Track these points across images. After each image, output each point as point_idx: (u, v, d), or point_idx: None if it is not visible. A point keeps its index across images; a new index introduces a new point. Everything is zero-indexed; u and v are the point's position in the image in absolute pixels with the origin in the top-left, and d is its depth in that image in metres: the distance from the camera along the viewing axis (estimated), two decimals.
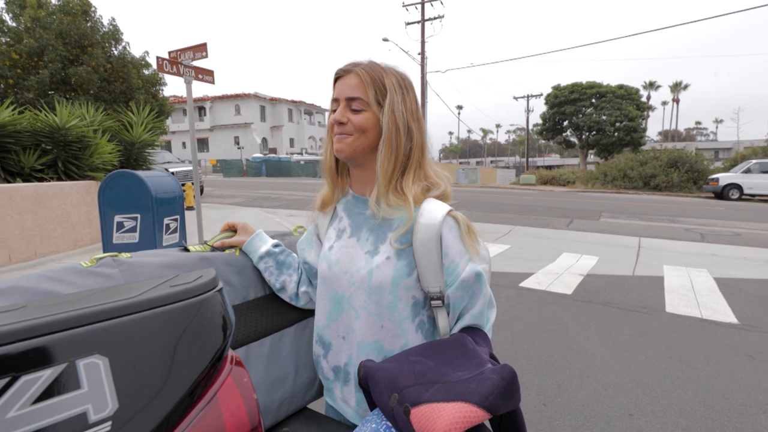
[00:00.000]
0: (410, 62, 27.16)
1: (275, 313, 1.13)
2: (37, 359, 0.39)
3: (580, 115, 34.72)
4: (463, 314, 0.96)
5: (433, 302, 0.94)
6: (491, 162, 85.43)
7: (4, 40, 12.51)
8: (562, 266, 5.82)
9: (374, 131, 0.96)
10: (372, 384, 0.82)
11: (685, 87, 61.38)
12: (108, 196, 3.96)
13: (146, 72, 14.30)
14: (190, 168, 13.29)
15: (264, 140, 45.80)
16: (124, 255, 0.86)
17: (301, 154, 42.28)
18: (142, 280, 0.73)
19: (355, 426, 1.01)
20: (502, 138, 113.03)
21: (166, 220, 4.11)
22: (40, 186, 5.92)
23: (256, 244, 1.18)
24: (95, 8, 13.56)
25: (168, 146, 41.80)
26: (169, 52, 5.18)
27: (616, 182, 23.39)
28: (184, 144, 44.82)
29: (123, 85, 13.33)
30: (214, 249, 1.12)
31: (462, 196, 16.64)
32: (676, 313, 4.11)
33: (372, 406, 0.87)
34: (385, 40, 25.39)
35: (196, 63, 5.22)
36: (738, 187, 17.65)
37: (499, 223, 9.60)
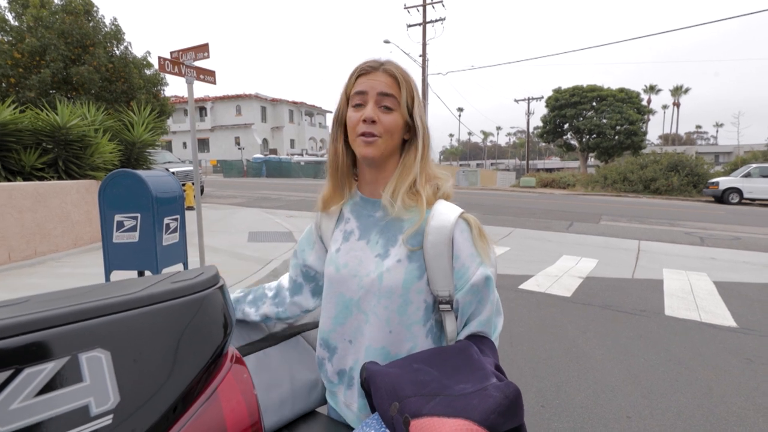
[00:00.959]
0: (411, 64, 27.18)
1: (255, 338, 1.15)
2: (40, 352, 0.40)
3: (581, 118, 34.77)
4: (471, 320, 0.94)
5: (441, 306, 0.93)
6: (491, 164, 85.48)
7: (6, 39, 12.53)
8: (562, 269, 5.83)
9: (399, 133, 0.94)
10: (373, 389, 0.82)
11: (686, 91, 61.44)
12: (108, 195, 3.96)
13: (148, 72, 14.31)
14: (191, 168, 13.31)
15: (265, 141, 45.84)
16: None
17: (302, 155, 42.33)
18: None
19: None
20: (502, 140, 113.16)
21: (166, 220, 4.11)
22: (40, 185, 5.92)
23: None
24: (97, 8, 13.58)
25: (169, 146, 41.83)
26: (171, 53, 5.18)
27: (617, 185, 23.41)
28: (184, 144, 44.86)
29: (124, 85, 13.35)
30: None
31: (462, 198, 16.61)
32: (675, 316, 4.11)
33: (373, 408, 0.87)
34: (387, 42, 25.44)
35: (198, 63, 5.23)
36: (738, 191, 17.66)
37: (499, 225, 9.61)
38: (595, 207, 14.57)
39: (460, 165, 73.59)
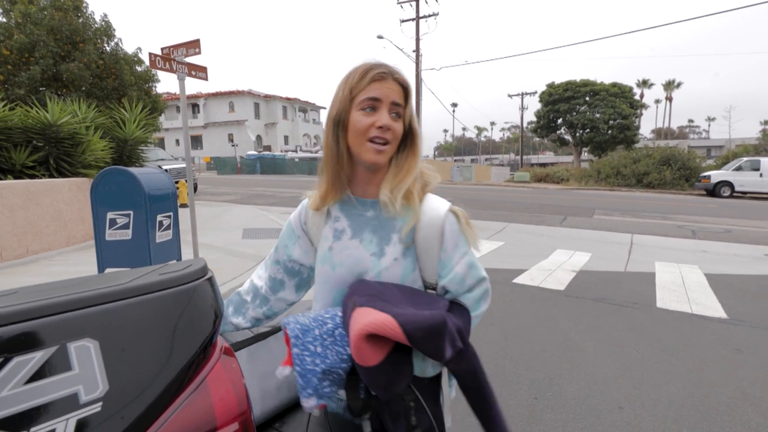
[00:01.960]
0: (405, 60, 27.10)
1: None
2: (29, 341, 0.40)
3: (574, 113, 34.87)
4: (457, 297, 1.00)
5: (428, 291, 0.99)
6: (486, 160, 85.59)
7: None
8: (555, 263, 5.87)
9: (399, 139, 0.99)
10: (349, 290, 0.93)
11: (678, 85, 61.74)
12: (100, 193, 3.94)
13: (139, 68, 14.17)
14: (184, 165, 13.23)
15: (258, 137, 45.63)
16: None
17: (296, 151, 42.15)
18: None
19: (345, 421, 1.02)
20: (496, 136, 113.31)
21: (159, 217, 4.09)
22: (31, 183, 5.87)
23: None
24: (87, 4, 13.41)
25: (161, 143, 41.54)
26: (162, 49, 5.14)
27: (610, 180, 23.54)
28: (177, 141, 44.55)
29: (115, 82, 13.22)
30: None
31: (456, 194, 16.67)
32: (666, 308, 4.16)
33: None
34: (380, 37, 25.36)
35: (189, 59, 5.19)
36: (729, 184, 17.82)
37: (493, 220, 9.64)
38: (589, 201, 14.65)
39: (455, 160, 73.64)
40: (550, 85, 36.22)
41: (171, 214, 4.25)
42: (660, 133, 65.74)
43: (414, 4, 26.22)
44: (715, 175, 18.28)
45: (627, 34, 65.82)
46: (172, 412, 0.49)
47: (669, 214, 11.43)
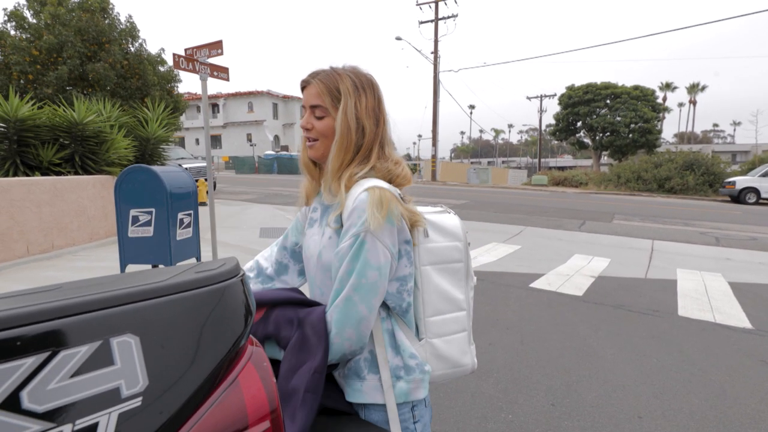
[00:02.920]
0: (423, 61, 27.09)
1: None
2: (75, 336, 0.42)
3: (594, 116, 34.36)
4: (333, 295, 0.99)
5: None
6: (503, 162, 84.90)
7: (24, 37, 12.75)
8: (573, 268, 5.79)
9: (329, 135, 1.07)
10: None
11: (703, 88, 60.30)
12: (124, 191, 4.03)
13: (161, 69, 14.46)
14: (203, 164, 13.43)
15: (276, 138, 46.06)
16: None
17: None
18: None
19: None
20: (514, 138, 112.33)
21: (180, 215, 4.16)
22: (58, 180, 6.04)
23: None
24: (113, 5, 13.74)
25: (181, 142, 42.28)
26: (186, 50, 5.24)
27: (630, 184, 23.10)
28: (197, 140, 45.27)
29: (139, 82, 13.51)
30: None
31: (472, 196, 16.58)
32: (688, 316, 4.07)
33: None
34: (398, 39, 25.37)
35: (212, 60, 5.27)
36: (755, 191, 17.32)
37: (509, 223, 9.56)
38: (608, 206, 14.42)
39: (471, 163, 73.20)
40: (570, 88, 35.76)
41: (191, 212, 4.33)
42: (683, 138, 64.31)
43: (433, 5, 26.18)
44: (741, 181, 17.79)
45: (650, 36, 64.62)
46: (206, 410, 0.50)
47: (691, 220, 11.18)
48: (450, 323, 1.07)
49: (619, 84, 34.32)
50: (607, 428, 2.34)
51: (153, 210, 4.06)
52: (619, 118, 33.23)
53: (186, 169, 7.06)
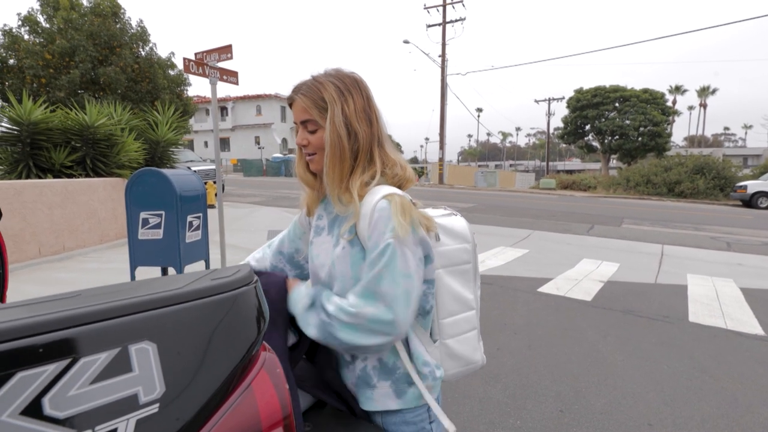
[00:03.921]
0: (431, 64, 27.12)
1: None
2: (94, 343, 0.43)
3: (603, 119, 34.13)
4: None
5: None
6: (510, 165, 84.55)
7: (37, 41, 12.95)
8: (582, 272, 5.75)
9: (324, 147, 1.03)
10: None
11: (713, 91, 59.75)
12: (134, 193, 4.06)
13: (171, 72, 14.62)
14: (212, 167, 13.52)
15: (284, 140, 46.27)
16: None
17: None
18: None
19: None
20: (522, 141, 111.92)
21: (189, 218, 4.19)
22: (69, 182, 6.11)
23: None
24: (125, 10, 13.94)
25: (191, 145, 42.59)
26: (196, 54, 5.29)
27: (639, 188, 22.89)
28: (206, 143, 45.60)
29: (149, 85, 13.66)
30: None
31: (480, 200, 16.53)
32: (699, 322, 4.02)
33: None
34: (406, 42, 25.42)
35: (221, 64, 5.32)
36: (767, 195, 17.10)
37: (517, 227, 9.52)
38: (617, 210, 14.30)
39: (479, 166, 73.01)
40: (579, 91, 35.57)
41: (200, 214, 4.35)
42: (693, 141, 63.70)
43: (441, 9, 26.20)
44: (752, 185, 17.56)
45: (659, 39, 64.18)
46: (221, 416, 0.50)
47: (702, 224, 11.05)
48: (462, 323, 1.09)
49: (628, 87, 34.07)
50: None
51: (163, 212, 4.09)
52: (628, 122, 32.98)
53: (195, 171, 7.11)
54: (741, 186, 17.91)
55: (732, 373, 3.05)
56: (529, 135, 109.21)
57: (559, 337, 3.63)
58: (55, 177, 6.49)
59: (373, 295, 0.90)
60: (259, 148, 42.76)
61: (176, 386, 0.47)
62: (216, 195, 5.43)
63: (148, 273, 4.09)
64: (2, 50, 12.59)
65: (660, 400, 2.68)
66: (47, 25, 13.25)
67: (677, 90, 57.97)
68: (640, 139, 32.88)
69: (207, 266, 4.50)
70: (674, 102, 54.74)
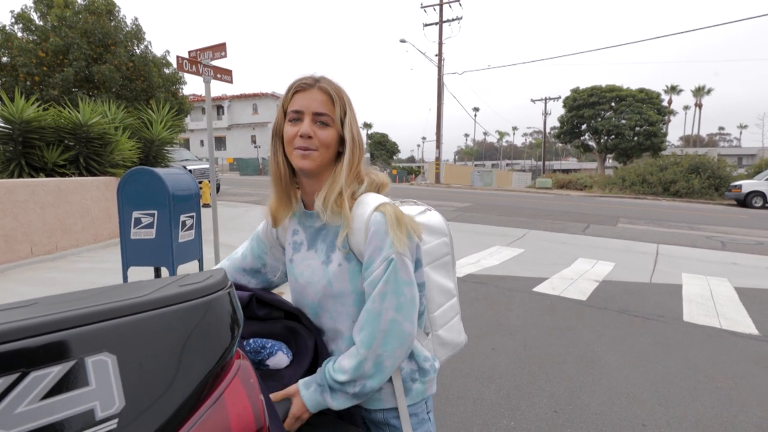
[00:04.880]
0: (427, 64, 27.09)
1: None
2: (47, 355, 0.40)
3: (599, 119, 34.23)
4: (357, 330, 0.97)
5: None
6: (507, 165, 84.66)
7: (31, 39, 12.84)
8: (577, 272, 5.74)
9: (334, 146, 1.00)
10: None
11: (709, 91, 59.98)
12: (127, 192, 4.02)
13: (167, 71, 14.52)
14: (207, 166, 13.44)
15: None
16: None
17: None
18: None
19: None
20: (518, 141, 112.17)
21: (182, 217, 4.16)
22: (62, 181, 6.05)
23: None
24: (119, 8, 13.83)
25: (186, 144, 42.44)
26: (189, 52, 5.24)
27: (635, 187, 22.96)
28: (201, 142, 45.45)
29: (144, 84, 13.57)
30: None
31: (476, 199, 16.53)
32: (694, 322, 4.02)
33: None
34: (403, 41, 25.39)
35: (215, 62, 5.27)
36: (762, 194, 17.17)
37: (513, 226, 9.51)
38: (613, 209, 14.33)
39: (475, 165, 73.08)
40: (575, 90, 35.66)
41: (194, 214, 4.32)
42: (688, 141, 63.96)
43: (437, 8, 26.18)
44: (747, 185, 17.65)
45: (655, 39, 64.41)
46: (188, 430, 0.48)
47: (697, 224, 11.08)
48: (448, 311, 1.15)
49: (624, 87, 34.20)
50: None
51: (155, 212, 4.05)
52: (624, 121, 33.09)
53: (190, 170, 7.07)
54: (736, 185, 18.01)
55: (726, 373, 3.04)
56: (525, 134, 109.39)
57: (554, 337, 3.62)
58: (47, 176, 6.43)
59: (379, 317, 0.92)
60: (255, 146, 42.65)
61: (137, 400, 0.44)
62: (210, 194, 5.40)
63: (141, 273, 4.06)
64: None
65: (654, 400, 2.67)
66: (41, 23, 13.13)
67: (673, 90, 58.15)
68: (635, 138, 33.00)
69: (200, 266, 4.46)
70: (670, 102, 54.95)
